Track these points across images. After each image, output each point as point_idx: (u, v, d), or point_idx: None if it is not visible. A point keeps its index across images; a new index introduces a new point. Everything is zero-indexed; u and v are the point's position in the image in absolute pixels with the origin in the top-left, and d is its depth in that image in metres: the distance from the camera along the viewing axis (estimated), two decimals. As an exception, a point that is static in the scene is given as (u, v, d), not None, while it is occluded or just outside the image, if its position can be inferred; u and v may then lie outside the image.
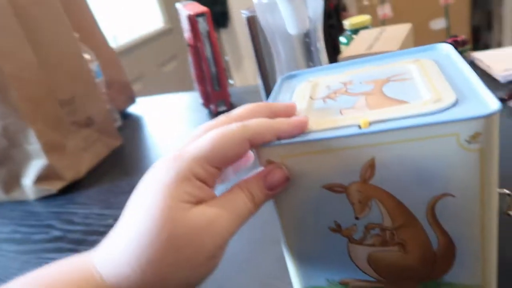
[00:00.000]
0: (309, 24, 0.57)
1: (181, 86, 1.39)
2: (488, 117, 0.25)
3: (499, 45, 2.41)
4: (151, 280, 0.25)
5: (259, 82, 0.81)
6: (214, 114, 0.91)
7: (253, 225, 0.49)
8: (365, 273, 0.32)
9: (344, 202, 0.30)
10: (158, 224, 0.24)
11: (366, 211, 0.30)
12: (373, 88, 0.34)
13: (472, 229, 0.29)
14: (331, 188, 0.30)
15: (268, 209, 0.32)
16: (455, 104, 0.28)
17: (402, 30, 0.65)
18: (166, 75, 2.17)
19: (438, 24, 2.20)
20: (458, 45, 0.74)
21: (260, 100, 0.88)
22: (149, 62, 2.07)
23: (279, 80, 0.41)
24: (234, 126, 0.28)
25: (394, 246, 0.31)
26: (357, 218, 0.30)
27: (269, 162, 0.30)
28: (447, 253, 0.30)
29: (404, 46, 0.61)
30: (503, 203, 0.32)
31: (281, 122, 0.29)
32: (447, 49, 0.37)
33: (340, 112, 0.31)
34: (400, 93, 0.31)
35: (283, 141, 0.29)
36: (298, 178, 0.30)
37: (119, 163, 0.81)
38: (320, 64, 0.62)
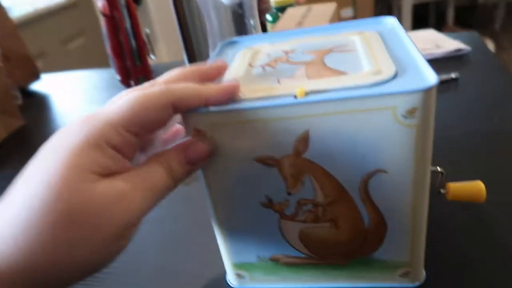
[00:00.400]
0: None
1: (89, 65, 1.23)
2: (426, 91, 0.24)
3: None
4: (39, 261, 0.20)
5: (184, 57, 0.77)
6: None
7: (195, 204, 0.48)
8: (296, 249, 0.31)
9: (276, 176, 0.28)
10: (55, 193, 0.20)
11: (298, 186, 0.28)
12: (315, 58, 0.32)
13: (403, 207, 0.28)
14: (262, 161, 0.28)
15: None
16: (394, 77, 0.26)
17: (328, 8, 0.64)
18: (72, 53, 1.91)
19: (347, 12, 2.31)
20: None
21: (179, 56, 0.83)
22: (51, 38, 1.85)
23: (218, 45, 0.38)
24: (157, 88, 0.25)
25: (326, 222, 0.30)
26: (289, 193, 0.29)
27: (197, 131, 0.27)
28: (378, 230, 0.29)
29: (332, 21, 0.60)
30: (434, 181, 0.31)
31: (209, 87, 0.26)
32: (392, 23, 0.36)
33: (278, 81, 0.29)
34: (341, 64, 0.30)
35: (212, 109, 0.26)
36: (228, 149, 0.28)
37: (21, 146, 0.71)
38: None
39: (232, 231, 0.32)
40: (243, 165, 0.28)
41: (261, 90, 0.28)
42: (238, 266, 0.34)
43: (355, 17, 2.40)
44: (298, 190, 0.28)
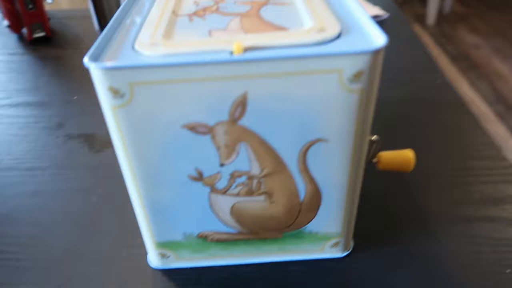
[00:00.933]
0: None
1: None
2: (374, 53, 0.22)
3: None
4: None
5: (89, 5, 0.68)
6: (28, 42, 0.72)
7: (108, 174, 0.43)
8: (227, 224, 0.29)
9: (208, 145, 0.25)
10: None
11: (233, 157, 0.25)
12: (250, 9, 0.28)
13: (341, 178, 0.27)
14: (193, 128, 0.24)
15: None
16: (339, 36, 0.24)
17: None
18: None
19: None
20: None
21: (90, 28, 0.74)
22: None
23: None
24: None
25: (260, 195, 0.27)
26: (222, 165, 0.25)
27: (114, 91, 0.22)
28: (313, 202, 0.28)
29: None
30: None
31: None
32: None
33: (209, 33, 0.25)
34: (280, 18, 0.27)
35: (131, 64, 0.22)
36: (153, 113, 0.23)
37: None
38: None
39: (155, 207, 0.28)
40: (169, 132, 0.24)
41: (191, 43, 0.23)
42: (161, 245, 0.30)
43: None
44: (232, 161, 0.25)
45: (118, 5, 0.71)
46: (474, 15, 3.04)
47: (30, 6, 0.68)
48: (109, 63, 0.22)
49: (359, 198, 0.29)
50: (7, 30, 0.73)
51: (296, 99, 0.23)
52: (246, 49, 0.22)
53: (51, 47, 0.70)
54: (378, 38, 0.23)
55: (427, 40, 2.67)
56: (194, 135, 0.24)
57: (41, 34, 0.70)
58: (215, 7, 0.29)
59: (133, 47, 0.24)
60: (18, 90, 0.58)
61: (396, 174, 0.40)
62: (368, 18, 0.25)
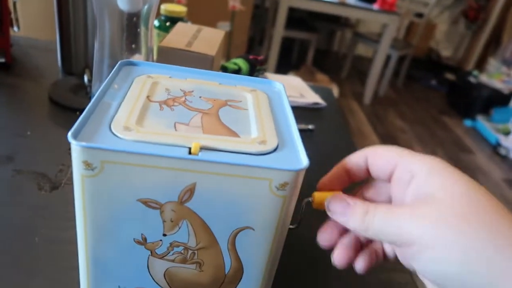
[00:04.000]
0: (143, 4, 0.55)
1: None
2: (297, 171, 0.29)
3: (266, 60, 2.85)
4: None
5: (56, 38, 0.72)
6: None
7: (55, 215, 0.44)
8: (159, 285, 0.33)
9: (155, 217, 0.30)
10: None
11: (175, 230, 0.30)
12: (211, 108, 0.35)
13: (262, 258, 0.33)
14: (146, 202, 0.29)
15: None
16: (275, 149, 0.31)
17: (218, 35, 0.68)
18: None
19: (225, 26, 2.47)
20: (257, 63, 0.79)
21: (52, 62, 0.77)
22: None
23: (118, 64, 0.38)
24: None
25: (192, 264, 0.32)
26: (164, 235, 0.31)
27: (87, 164, 0.27)
28: (235, 276, 0.33)
29: (219, 50, 0.64)
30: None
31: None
32: (279, 88, 0.41)
33: (175, 126, 0.31)
34: (234, 122, 0.33)
35: (104, 146, 0.27)
36: (115, 186, 0.28)
37: None
38: (142, 50, 0.60)
39: (98, 260, 0.32)
40: (125, 203, 0.29)
41: (159, 135, 0.29)
42: (95, 295, 0.33)
43: (231, 32, 2.52)
44: (173, 233, 0.30)
45: (86, 49, 0.75)
46: (403, 102, 3.40)
47: (-3, 32, 0.70)
48: (86, 143, 0.27)
49: (275, 275, 0.35)
50: (-36, 50, 0.74)
51: (234, 195, 0.29)
52: (201, 149, 0.28)
53: (9, 74, 0.71)
54: (303, 160, 0.30)
55: (362, 117, 2.93)
56: (145, 208, 0.29)
57: (1, 60, 0.72)
58: (183, 99, 0.35)
59: (109, 128, 0.29)
60: (-31, 116, 0.59)
61: (307, 255, 0.46)
62: (298, 136, 0.32)
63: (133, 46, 0.68)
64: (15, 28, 0.73)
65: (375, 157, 0.32)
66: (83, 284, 0.33)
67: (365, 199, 0.35)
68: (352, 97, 3.23)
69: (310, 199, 0.34)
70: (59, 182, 0.49)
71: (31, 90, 0.69)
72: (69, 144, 0.27)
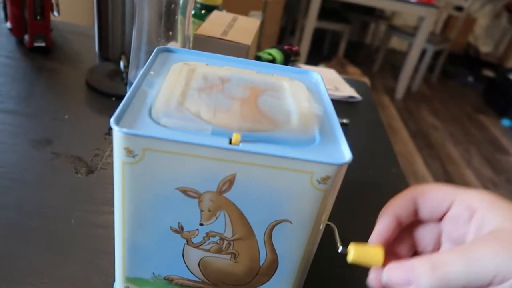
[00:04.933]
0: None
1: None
2: (340, 165, 0.28)
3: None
4: None
5: (94, 25, 0.72)
6: (27, 49, 0.74)
7: (89, 199, 0.45)
8: (193, 273, 0.33)
9: (193, 206, 0.29)
10: None
11: (212, 220, 0.30)
12: (249, 96, 0.34)
13: (297, 253, 0.32)
14: (185, 191, 0.29)
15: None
16: (315, 140, 0.30)
17: (253, 24, 0.67)
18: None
19: (256, 16, 2.44)
20: (292, 54, 0.77)
21: (90, 48, 0.77)
22: None
23: (155, 50, 0.38)
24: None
25: (228, 254, 0.32)
26: (201, 224, 0.30)
27: (128, 151, 0.27)
28: (270, 268, 0.33)
29: (254, 40, 0.63)
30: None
31: None
32: (317, 78, 0.40)
33: (214, 113, 0.30)
34: (273, 111, 0.32)
35: (146, 133, 0.27)
36: (155, 174, 0.28)
37: None
38: (179, 37, 0.60)
39: (134, 247, 0.32)
40: (165, 191, 0.29)
41: (199, 122, 0.29)
42: (130, 279, 0.34)
43: (263, 22, 2.51)
44: (210, 223, 0.30)
45: (123, 35, 0.75)
46: (437, 99, 3.30)
47: (39, 17, 0.71)
48: (128, 130, 0.26)
49: (309, 270, 0.34)
50: (8, 33, 0.76)
51: (274, 187, 0.28)
52: (242, 141, 0.28)
53: (48, 58, 0.73)
54: (346, 154, 0.29)
55: (393, 113, 2.86)
56: (184, 197, 0.29)
57: (42, 44, 0.73)
58: (220, 87, 0.35)
59: (150, 115, 0.29)
60: (11, 97, 0.61)
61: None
62: (340, 129, 0.31)
63: (170, 33, 0.68)
64: (55, 13, 0.75)
65: (427, 197, 0.30)
66: (118, 269, 0.34)
67: (406, 246, 0.33)
68: (384, 92, 3.16)
69: (344, 251, 0.32)
70: (95, 167, 0.50)
71: (69, 75, 0.71)
72: (105, 129, 0.27)
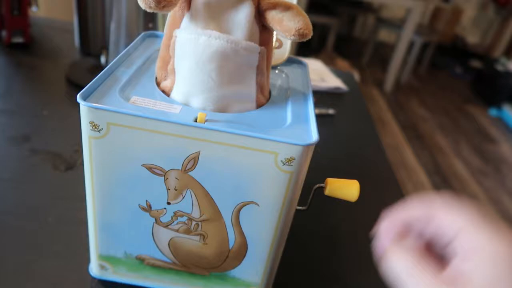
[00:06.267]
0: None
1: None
2: (305, 146, 0.28)
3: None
4: None
5: (74, 19, 0.72)
6: (5, 45, 0.73)
7: (70, 190, 0.45)
8: (163, 253, 0.34)
9: (160, 185, 0.30)
10: None
11: (179, 199, 0.30)
12: None
13: (267, 237, 0.32)
14: (150, 168, 0.29)
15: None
16: (286, 122, 0.30)
17: None
18: None
19: None
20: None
21: (70, 42, 0.77)
22: None
23: (141, 35, 0.39)
24: None
25: (196, 235, 0.32)
26: (168, 203, 0.31)
27: (93, 125, 0.28)
28: (239, 252, 0.33)
29: None
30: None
31: None
32: (305, 65, 0.41)
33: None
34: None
35: (110, 107, 0.27)
36: (120, 149, 0.28)
37: None
38: (159, 29, 0.60)
39: (105, 225, 0.32)
40: (131, 167, 0.29)
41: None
42: (103, 257, 0.34)
43: None
44: (177, 202, 0.31)
45: (104, 30, 0.75)
46: (426, 90, 3.32)
47: (16, 12, 0.71)
48: (92, 103, 0.27)
49: (283, 255, 0.34)
50: (-16, 29, 0.75)
51: (238, 166, 0.29)
52: (207, 119, 0.28)
53: (27, 54, 0.73)
54: (313, 135, 0.29)
55: (382, 105, 2.88)
56: (150, 174, 0.29)
57: (20, 40, 0.73)
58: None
59: (118, 93, 0.29)
60: (-12, 93, 0.60)
61: (324, 238, 0.46)
62: (313, 113, 0.31)
63: (150, 25, 0.68)
64: (34, 8, 0.74)
65: (442, 216, 0.25)
66: (92, 247, 0.34)
67: None
68: (373, 84, 3.17)
69: (322, 184, 0.33)
70: (74, 163, 0.50)
71: (49, 71, 0.70)
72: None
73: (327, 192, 0.32)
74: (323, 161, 0.57)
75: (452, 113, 3.02)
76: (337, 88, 0.82)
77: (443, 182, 2.16)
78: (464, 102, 3.23)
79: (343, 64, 2.87)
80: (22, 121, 0.56)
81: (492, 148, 2.62)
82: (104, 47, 0.78)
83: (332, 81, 0.83)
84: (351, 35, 4.14)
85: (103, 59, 0.73)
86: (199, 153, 0.28)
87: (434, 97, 3.23)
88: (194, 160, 0.29)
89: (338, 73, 0.90)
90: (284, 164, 0.28)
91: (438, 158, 2.40)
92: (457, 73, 3.74)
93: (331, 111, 0.72)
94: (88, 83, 0.29)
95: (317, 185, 0.33)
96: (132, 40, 0.39)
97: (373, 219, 0.50)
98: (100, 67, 0.74)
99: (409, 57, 3.14)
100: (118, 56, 0.34)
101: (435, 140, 2.59)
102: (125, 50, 0.35)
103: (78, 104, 0.27)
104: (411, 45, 3.02)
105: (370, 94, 3.00)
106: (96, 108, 0.27)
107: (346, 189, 0.32)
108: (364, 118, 0.77)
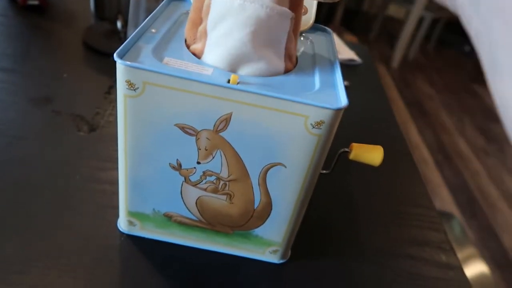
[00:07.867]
0: None
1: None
2: (335, 110, 0.29)
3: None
4: None
5: None
6: (20, 7, 0.72)
7: (100, 147, 0.46)
8: (190, 211, 0.35)
9: (191, 144, 0.31)
10: None
11: (209, 158, 0.32)
12: None
13: (291, 198, 0.33)
14: (183, 128, 0.30)
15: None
16: (315, 87, 0.31)
17: None
18: None
19: None
20: None
21: (86, 8, 0.77)
22: None
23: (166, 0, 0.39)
24: None
25: (223, 195, 0.34)
26: (198, 163, 0.32)
27: (129, 84, 0.28)
28: (264, 212, 0.35)
29: None
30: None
31: None
32: (330, 32, 0.41)
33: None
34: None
35: (148, 67, 0.28)
36: (155, 108, 0.29)
37: None
38: None
39: (136, 182, 0.34)
40: (164, 126, 0.30)
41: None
42: (132, 214, 0.36)
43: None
44: (207, 161, 0.32)
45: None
46: (433, 68, 3.29)
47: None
48: (130, 62, 0.28)
49: (304, 217, 0.35)
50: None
51: (268, 128, 0.30)
52: (240, 81, 0.29)
53: (43, 18, 0.73)
54: (342, 100, 0.29)
55: (389, 82, 2.86)
56: (182, 134, 0.31)
57: (36, 2, 0.73)
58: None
59: (152, 53, 0.30)
60: (7, 55, 0.60)
61: (342, 202, 0.47)
62: (341, 78, 0.32)
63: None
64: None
65: None
66: (122, 203, 0.36)
67: None
68: (380, 60, 3.14)
69: (347, 149, 0.34)
70: (96, 125, 0.50)
71: (65, 35, 0.70)
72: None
73: (352, 156, 0.34)
74: (340, 131, 0.58)
75: (458, 91, 3.01)
76: (351, 60, 0.82)
77: (446, 159, 2.17)
78: (471, 81, 3.21)
79: (350, 39, 2.83)
80: (42, 83, 0.56)
81: (496, 128, 2.62)
82: (120, 12, 0.78)
83: (345, 53, 0.83)
84: (360, 9, 4.06)
85: (119, 24, 0.73)
86: (231, 114, 0.29)
87: (441, 75, 3.21)
88: (226, 121, 0.30)
89: (351, 46, 0.89)
90: (313, 127, 0.29)
91: (442, 136, 2.41)
92: (465, 52, 3.69)
93: (345, 83, 0.73)
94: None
95: (342, 150, 0.34)
96: (153, 4, 0.40)
97: (387, 186, 0.52)
98: (116, 32, 0.74)
99: (417, 33, 3.10)
100: (147, 19, 0.34)
101: (440, 119, 2.59)
102: (152, 13, 0.35)
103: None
104: (420, 21, 2.97)
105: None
106: (133, 67, 0.28)
107: (371, 153, 0.33)
108: (376, 90, 0.77)
